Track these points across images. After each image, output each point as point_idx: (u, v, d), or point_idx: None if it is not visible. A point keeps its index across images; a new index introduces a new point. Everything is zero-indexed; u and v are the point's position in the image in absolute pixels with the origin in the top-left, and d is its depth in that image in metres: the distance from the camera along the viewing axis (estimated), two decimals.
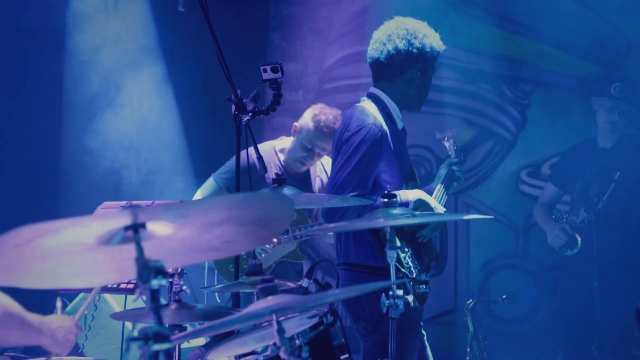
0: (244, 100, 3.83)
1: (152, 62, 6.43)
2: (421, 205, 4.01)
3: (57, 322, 3.24)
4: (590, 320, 5.73)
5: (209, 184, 5.40)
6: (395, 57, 4.17)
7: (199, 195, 5.40)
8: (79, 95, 6.18)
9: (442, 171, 4.47)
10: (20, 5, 5.98)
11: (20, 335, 3.09)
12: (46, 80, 6.12)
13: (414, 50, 4.17)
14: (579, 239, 5.78)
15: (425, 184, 4.54)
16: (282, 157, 5.38)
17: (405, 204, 3.89)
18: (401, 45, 4.17)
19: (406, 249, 3.96)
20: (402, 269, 3.86)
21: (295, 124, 5.34)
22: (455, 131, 4.64)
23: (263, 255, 5.14)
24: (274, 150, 5.41)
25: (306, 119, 5.26)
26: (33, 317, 3.13)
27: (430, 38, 4.23)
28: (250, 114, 3.83)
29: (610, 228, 5.76)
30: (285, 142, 5.43)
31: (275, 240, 5.08)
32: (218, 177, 5.34)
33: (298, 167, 5.31)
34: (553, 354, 6.08)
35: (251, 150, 3.99)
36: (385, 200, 3.35)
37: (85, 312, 3.40)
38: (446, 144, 4.55)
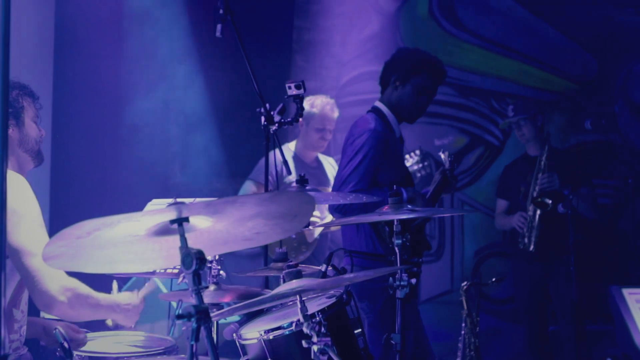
0: (271, 113, 3.82)
1: (197, 83, 6.43)
2: (413, 202, 3.98)
3: (126, 299, 3.21)
4: (566, 298, 5.69)
5: (248, 186, 5.46)
6: (383, 72, 4.29)
7: None
8: (130, 107, 6.15)
9: (437, 177, 4.45)
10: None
11: (90, 314, 3.04)
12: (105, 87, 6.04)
13: (391, 64, 4.26)
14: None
15: (423, 183, 4.51)
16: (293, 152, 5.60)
17: None
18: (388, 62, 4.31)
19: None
20: None
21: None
22: (451, 138, 4.61)
23: (311, 227, 5.21)
24: (288, 148, 5.56)
25: (306, 110, 5.39)
26: (102, 296, 3.08)
27: (409, 55, 4.26)
28: (277, 124, 3.82)
29: (585, 221, 5.74)
30: (292, 145, 5.61)
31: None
32: (255, 176, 5.42)
33: (321, 145, 5.52)
34: (535, 328, 6.01)
35: (278, 154, 4.00)
36: (394, 197, 3.33)
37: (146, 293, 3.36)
38: (443, 156, 4.52)
